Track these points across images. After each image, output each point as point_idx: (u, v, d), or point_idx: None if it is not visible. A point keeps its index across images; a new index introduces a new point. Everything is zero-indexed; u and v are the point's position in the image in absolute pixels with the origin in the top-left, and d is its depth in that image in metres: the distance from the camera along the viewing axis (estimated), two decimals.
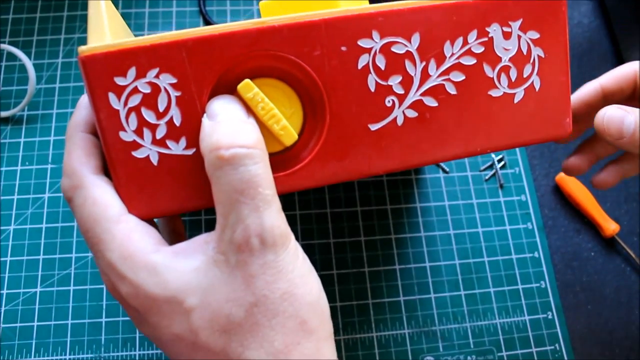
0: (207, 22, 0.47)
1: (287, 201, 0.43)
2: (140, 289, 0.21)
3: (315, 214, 0.42)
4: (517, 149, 0.46)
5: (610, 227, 0.44)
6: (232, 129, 0.21)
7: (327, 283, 0.40)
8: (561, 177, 0.45)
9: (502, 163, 0.45)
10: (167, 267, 0.21)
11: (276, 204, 0.21)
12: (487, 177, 0.45)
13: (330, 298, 0.40)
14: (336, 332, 0.39)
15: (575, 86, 0.51)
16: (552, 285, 0.42)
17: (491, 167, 0.45)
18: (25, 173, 0.41)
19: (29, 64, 0.41)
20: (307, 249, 0.41)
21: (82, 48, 0.21)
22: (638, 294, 0.43)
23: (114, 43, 0.21)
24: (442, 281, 0.42)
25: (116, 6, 0.47)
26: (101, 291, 0.38)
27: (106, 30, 0.23)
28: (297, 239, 0.41)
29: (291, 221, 0.42)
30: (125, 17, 0.47)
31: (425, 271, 0.42)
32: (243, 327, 0.21)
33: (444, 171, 0.45)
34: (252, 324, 0.21)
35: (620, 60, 0.52)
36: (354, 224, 0.42)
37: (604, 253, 0.44)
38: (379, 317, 0.40)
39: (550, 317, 0.41)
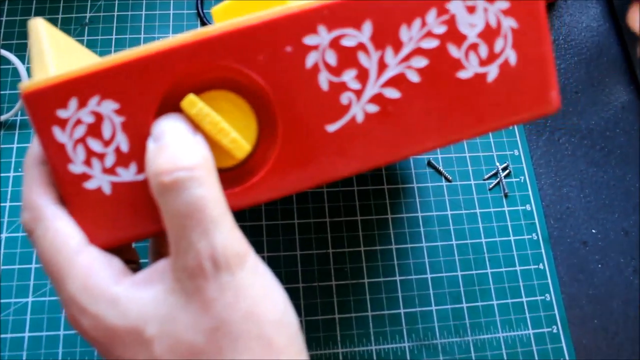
0: (205, 25, 0.46)
1: (286, 210, 0.42)
2: (101, 321, 0.21)
3: (313, 223, 0.41)
4: (523, 158, 0.45)
5: None
6: (174, 152, 0.20)
7: (325, 294, 0.40)
8: None
9: (507, 171, 0.44)
10: (127, 297, 0.21)
11: (227, 223, 0.21)
12: (491, 186, 0.44)
13: (329, 310, 0.39)
14: (334, 345, 0.38)
15: (585, 90, 0.50)
16: (557, 298, 0.41)
17: (495, 175, 0.44)
18: (18, 180, 0.40)
19: (21, 67, 0.40)
20: (305, 259, 0.40)
21: (23, 84, 0.21)
22: None
23: (54, 75, 0.21)
24: (444, 293, 0.40)
25: (112, 9, 0.46)
26: None
27: (48, 61, 0.22)
28: (294, 249, 0.40)
29: (289, 230, 0.41)
30: (121, 20, 0.46)
31: (426, 283, 0.41)
32: (207, 353, 0.20)
33: (447, 180, 0.44)
34: (215, 349, 0.20)
35: (629, 65, 0.50)
36: (353, 234, 0.41)
37: (611, 265, 0.43)
38: (378, 329, 0.39)
39: (555, 331, 0.40)
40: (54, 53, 0.23)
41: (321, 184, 0.23)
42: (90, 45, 0.45)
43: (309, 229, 0.41)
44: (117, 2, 0.46)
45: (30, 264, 0.38)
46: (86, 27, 0.45)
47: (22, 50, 0.44)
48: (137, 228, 0.23)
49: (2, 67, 0.43)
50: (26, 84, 0.21)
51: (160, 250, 0.28)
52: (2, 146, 0.41)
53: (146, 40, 0.45)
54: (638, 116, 0.46)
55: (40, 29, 0.23)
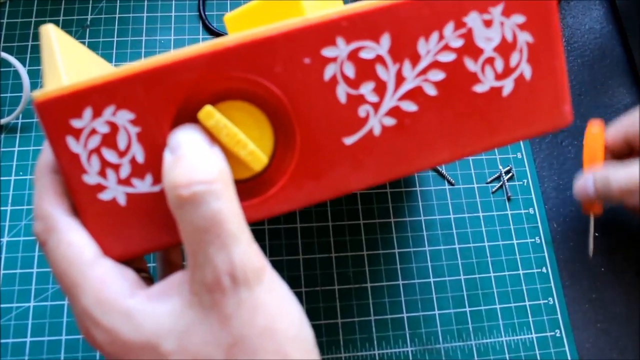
0: (207, 27, 0.46)
1: (288, 214, 0.41)
2: (115, 335, 0.20)
3: (316, 227, 0.41)
4: (526, 160, 0.45)
5: None
6: (191, 164, 0.20)
7: (328, 299, 0.39)
8: (592, 124, 0.41)
9: (510, 175, 0.44)
10: (142, 311, 0.21)
11: (245, 238, 0.20)
12: (494, 190, 0.44)
13: (332, 314, 0.39)
14: (337, 349, 0.38)
15: (588, 93, 0.50)
16: (560, 301, 0.41)
17: (498, 178, 0.44)
18: (19, 183, 0.40)
19: (22, 70, 0.40)
20: (308, 264, 0.40)
21: (35, 93, 0.21)
22: None
23: (67, 85, 0.20)
24: (447, 297, 0.40)
25: (114, 11, 0.46)
26: None
27: (60, 68, 0.22)
28: (297, 253, 0.40)
29: (292, 234, 0.41)
30: (123, 22, 0.46)
31: (429, 287, 0.40)
32: None
33: (450, 183, 0.43)
34: None
35: (633, 66, 0.50)
36: (356, 238, 0.41)
37: (613, 268, 0.43)
38: (381, 334, 0.39)
39: (558, 335, 0.40)
40: (66, 60, 0.23)
41: (337, 197, 0.23)
42: (92, 48, 0.44)
43: (312, 233, 0.41)
44: (118, 4, 0.46)
45: (31, 268, 0.38)
46: (87, 29, 0.45)
47: (23, 53, 0.44)
48: (152, 240, 0.22)
49: (2, 69, 0.43)
50: (39, 92, 0.21)
51: (169, 257, 0.28)
52: (3, 149, 0.41)
53: (148, 42, 0.45)
54: None
55: (52, 35, 0.23)
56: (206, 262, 0.20)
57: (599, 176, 0.37)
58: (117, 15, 0.46)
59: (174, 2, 0.47)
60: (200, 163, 0.20)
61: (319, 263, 0.40)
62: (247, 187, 0.23)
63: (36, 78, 0.43)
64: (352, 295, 0.40)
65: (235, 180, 0.22)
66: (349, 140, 0.23)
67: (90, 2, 0.46)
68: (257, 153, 0.22)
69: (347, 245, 0.41)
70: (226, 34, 0.46)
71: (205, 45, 0.21)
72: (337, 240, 0.41)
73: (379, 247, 0.41)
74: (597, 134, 0.40)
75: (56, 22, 0.45)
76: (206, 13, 0.46)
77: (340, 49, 0.22)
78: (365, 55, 0.22)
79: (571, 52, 0.51)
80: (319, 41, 0.21)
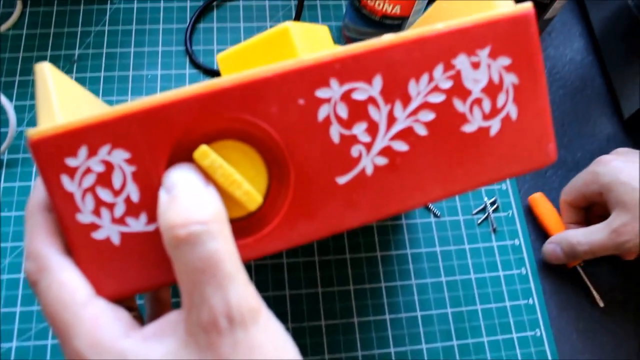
0: (193, 62, 0.46)
1: None
2: None
3: (302, 262, 0.41)
4: (511, 192, 0.45)
5: None
6: (187, 204, 0.20)
7: (315, 334, 0.39)
8: (533, 197, 0.45)
9: (495, 206, 0.44)
10: (137, 352, 0.20)
11: (241, 278, 0.20)
12: (479, 221, 0.44)
13: (319, 350, 0.39)
14: None
15: (570, 123, 0.50)
16: (547, 333, 0.41)
17: (484, 210, 0.44)
18: (4, 220, 0.40)
19: (9, 106, 0.40)
20: (295, 299, 0.40)
21: (30, 132, 0.20)
22: (635, 340, 0.42)
23: (62, 123, 0.20)
24: (434, 331, 0.40)
25: (101, 46, 0.46)
26: None
27: (55, 106, 0.22)
28: (283, 288, 0.40)
29: (278, 270, 0.41)
30: (110, 57, 0.46)
31: (416, 321, 0.40)
32: None
33: (436, 215, 0.44)
34: None
35: (613, 96, 0.51)
36: (342, 272, 0.41)
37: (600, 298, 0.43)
38: None
39: None
40: (61, 98, 0.23)
41: (331, 235, 0.23)
42: (79, 83, 0.45)
43: (298, 268, 0.41)
44: (106, 39, 0.47)
45: (15, 307, 0.38)
46: (75, 64, 0.45)
47: (10, 88, 0.44)
48: (147, 279, 0.22)
49: None
50: (34, 131, 0.20)
51: (158, 295, 0.27)
52: (3, 185, 0.41)
53: (135, 77, 0.46)
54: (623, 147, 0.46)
55: (47, 73, 0.23)
56: (202, 302, 0.19)
57: (564, 244, 0.42)
58: (104, 50, 0.46)
59: (160, 37, 0.47)
60: (196, 203, 0.20)
61: (305, 298, 0.40)
62: (241, 226, 0.23)
63: (23, 113, 0.43)
64: (339, 330, 0.40)
65: (230, 219, 0.22)
66: (342, 180, 0.23)
67: (78, 37, 0.46)
68: (252, 193, 0.22)
69: (333, 280, 0.41)
70: (212, 68, 0.46)
71: (202, 85, 0.21)
72: (323, 275, 0.41)
73: (366, 281, 0.41)
74: (547, 205, 0.45)
75: (44, 57, 0.45)
76: (193, 48, 0.47)
77: (333, 90, 0.22)
78: (358, 96, 0.22)
79: (553, 82, 0.52)
80: (313, 82, 0.22)
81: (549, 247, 0.43)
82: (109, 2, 0.48)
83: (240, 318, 0.20)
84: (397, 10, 0.42)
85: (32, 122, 0.43)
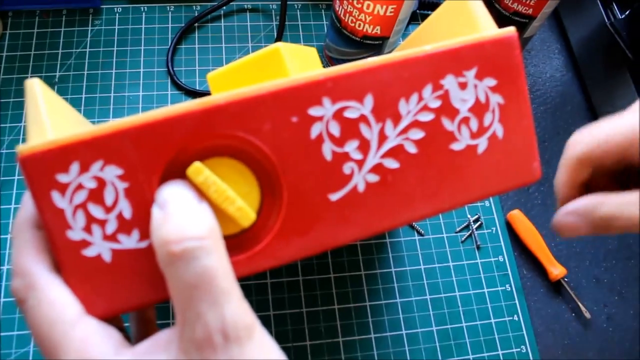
0: (175, 83, 0.46)
1: None
2: None
3: (286, 282, 0.41)
4: (494, 208, 0.46)
5: (554, 271, 0.43)
6: (181, 221, 0.20)
7: (300, 355, 0.39)
8: (512, 214, 0.45)
9: (479, 223, 0.45)
10: None
11: (236, 294, 0.20)
12: (463, 239, 0.44)
13: None
14: None
15: (551, 139, 0.51)
16: (532, 349, 0.41)
17: (467, 227, 0.44)
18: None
19: None
20: (280, 319, 0.39)
21: (21, 148, 0.20)
22: (620, 356, 0.42)
23: (53, 139, 0.20)
24: (420, 349, 0.40)
25: (82, 68, 0.46)
26: None
27: (46, 123, 0.22)
28: (267, 309, 0.40)
29: (262, 290, 0.40)
30: (91, 78, 0.46)
31: (402, 339, 0.40)
32: None
33: (419, 233, 0.44)
34: None
35: (593, 112, 0.52)
36: (327, 292, 0.41)
37: (583, 314, 0.43)
38: None
39: None
40: (51, 115, 0.22)
41: (323, 252, 0.23)
42: None
43: (282, 288, 0.41)
44: (87, 60, 0.46)
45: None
46: (55, 86, 0.45)
47: None
48: (138, 297, 0.22)
49: None
50: (24, 146, 0.20)
51: (145, 315, 0.27)
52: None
53: (116, 99, 0.45)
54: None
55: (37, 90, 0.23)
56: (197, 319, 0.19)
57: (592, 216, 0.27)
58: (85, 72, 0.46)
59: (142, 58, 0.47)
60: (190, 219, 0.20)
61: (289, 319, 0.40)
62: (235, 243, 0.23)
63: (3, 136, 0.43)
64: (324, 350, 0.39)
65: (223, 236, 0.22)
66: (334, 197, 0.23)
67: (59, 58, 0.46)
68: (245, 209, 0.22)
69: (318, 300, 0.41)
70: (194, 89, 0.46)
71: (195, 102, 0.21)
72: (307, 295, 0.41)
73: (350, 300, 0.41)
74: (525, 222, 0.45)
75: (24, 79, 0.45)
76: (174, 69, 0.47)
77: (326, 108, 0.22)
78: (349, 114, 0.23)
79: (534, 99, 0.52)
80: (305, 100, 0.22)
81: (569, 219, 0.28)
82: (89, 24, 0.48)
83: (235, 334, 0.20)
84: (377, 30, 0.42)
85: (11, 145, 0.43)
